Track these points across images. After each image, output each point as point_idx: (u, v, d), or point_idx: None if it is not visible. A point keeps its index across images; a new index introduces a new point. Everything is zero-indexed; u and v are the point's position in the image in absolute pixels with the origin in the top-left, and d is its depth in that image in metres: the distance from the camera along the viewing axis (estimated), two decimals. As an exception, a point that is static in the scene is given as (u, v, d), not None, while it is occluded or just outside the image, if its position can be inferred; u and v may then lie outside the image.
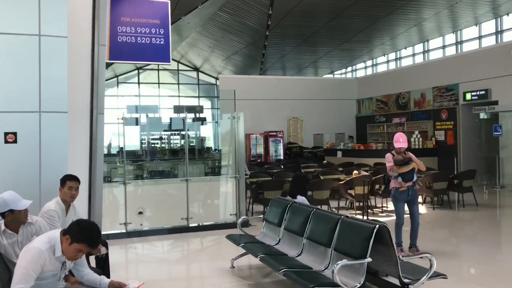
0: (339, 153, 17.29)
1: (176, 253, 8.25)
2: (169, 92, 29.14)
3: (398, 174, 7.09)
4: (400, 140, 7.16)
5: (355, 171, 10.96)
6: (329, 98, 21.07)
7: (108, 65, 24.13)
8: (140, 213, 9.02)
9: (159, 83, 28.89)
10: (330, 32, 21.02)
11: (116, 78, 28.08)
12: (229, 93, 16.33)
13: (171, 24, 19.78)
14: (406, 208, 7.28)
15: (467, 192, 11.42)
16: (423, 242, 7.51)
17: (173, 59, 29.03)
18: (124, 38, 13.57)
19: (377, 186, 10.42)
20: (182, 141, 23.05)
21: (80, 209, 7.72)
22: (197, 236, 8.91)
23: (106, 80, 27.59)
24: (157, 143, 25.03)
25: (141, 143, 23.33)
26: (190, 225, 9.08)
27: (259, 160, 18.34)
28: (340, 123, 21.20)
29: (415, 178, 7.21)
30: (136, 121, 20.72)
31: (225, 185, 9.64)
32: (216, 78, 28.43)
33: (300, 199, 6.48)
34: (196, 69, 29.65)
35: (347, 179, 10.51)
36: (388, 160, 7.24)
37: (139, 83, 28.61)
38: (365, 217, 10.06)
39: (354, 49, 23.81)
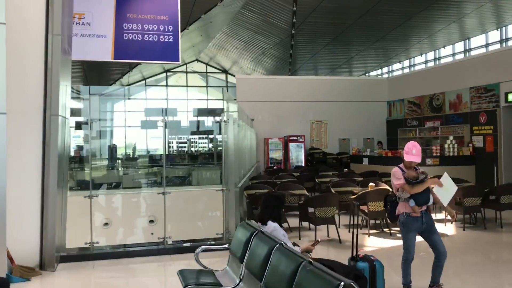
0: (365, 160, 15.43)
1: (129, 285, 6.59)
2: (198, 95, 28.01)
3: (409, 195, 5.36)
4: (412, 152, 5.39)
5: (371, 184, 9.22)
6: (356, 100, 19.11)
7: (132, 66, 23.13)
8: (151, 221, 7.70)
9: (187, 86, 27.79)
10: (361, 30, 19.23)
11: (144, 81, 27.17)
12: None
13: (191, 23, 18.53)
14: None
15: (506, 209, 9.45)
16: (447, 274, 5.75)
17: (201, 62, 27.94)
18: (130, 35, 12.35)
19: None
20: (210, 145, 21.85)
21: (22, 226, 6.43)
22: (171, 260, 7.38)
23: (134, 83, 26.71)
24: (185, 147, 23.90)
25: (169, 147, 22.21)
26: (168, 246, 7.60)
27: (275, 167, 16.67)
28: (369, 127, 19.19)
29: (431, 201, 5.46)
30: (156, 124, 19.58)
31: (213, 198, 8.06)
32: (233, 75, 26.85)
33: (271, 226, 4.88)
34: (225, 71, 28.37)
35: (360, 193, 8.80)
36: (397, 176, 5.45)
37: (167, 85, 27.60)
38: (382, 238, 8.36)
39: (389, 48, 21.89)
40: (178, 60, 12.25)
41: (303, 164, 17.28)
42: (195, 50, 25.45)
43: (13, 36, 6.43)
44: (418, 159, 5.40)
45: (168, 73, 27.60)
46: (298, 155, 17.43)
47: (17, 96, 6.58)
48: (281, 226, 5.00)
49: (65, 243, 7.27)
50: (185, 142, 22.52)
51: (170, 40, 12.06)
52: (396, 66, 24.59)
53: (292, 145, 17.37)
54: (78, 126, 20.57)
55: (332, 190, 9.61)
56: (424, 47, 21.57)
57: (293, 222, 8.85)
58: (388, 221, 9.10)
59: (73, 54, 13.29)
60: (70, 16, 7.92)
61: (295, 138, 17.50)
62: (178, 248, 7.61)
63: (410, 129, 17.78)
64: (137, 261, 7.27)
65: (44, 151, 6.78)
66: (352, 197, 8.83)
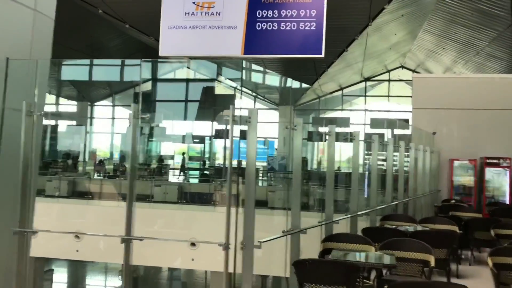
0: None
1: None
2: (402, 107, 23.46)
3: None
4: None
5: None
6: None
7: (319, 73, 20.13)
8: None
9: (388, 96, 23.49)
10: None
11: (341, 91, 23.90)
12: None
13: (373, 17, 14.86)
14: None
15: None
16: None
17: (407, 68, 23.30)
18: (264, 25, 9.96)
19: None
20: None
21: None
22: None
23: (331, 92, 23.85)
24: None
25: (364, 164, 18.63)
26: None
27: (452, 200, 11.28)
28: None
29: None
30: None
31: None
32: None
33: None
34: (435, 79, 23.09)
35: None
36: None
37: (365, 95, 23.80)
38: None
39: None
40: (320, 53, 9.23)
41: (507, 200, 11.56)
42: (397, 54, 21.08)
43: None
44: None
45: (369, 82, 23.77)
46: (500, 186, 11.75)
47: None
48: None
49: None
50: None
51: (312, 28, 9.24)
52: None
53: (490, 171, 11.78)
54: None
55: (489, 261, 4.98)
56: None
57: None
58: None
59: (201, 50, 11.32)
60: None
61: (495, 161, 11.76)
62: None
63: None
64: None
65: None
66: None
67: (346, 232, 5.77)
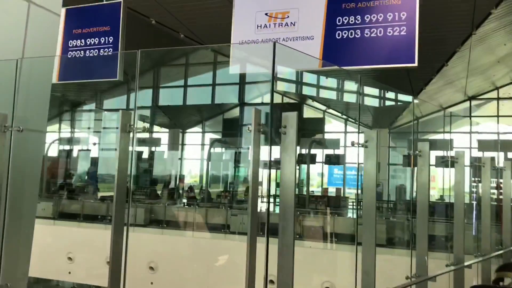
0: None
1: None
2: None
3: None
4: None
5: None
6: None
7: (417, 91, 18.12)
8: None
9: (498, 116, 20.56)
10: None
11: (442, 111, 21.47)
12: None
13: (477, 25, 13.01)
14: None
15: None
16: None
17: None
18: (345, 33, 9.02)
19: None
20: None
21: None
22: None
23: (431, 113, 21.57)
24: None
25: (471, 192, 16.34)
26: None
27: None
28: None
29: None
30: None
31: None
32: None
33: None
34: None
35: None
36: None
37: (470, 116, 21.12)
38: None
39: None
40: (413, 62, 7.96)
41: None
42: (507, 68, 18.41)
43: None
44: None
45: (474, 101, 21.08)
46: None
47: None
48: None
49: None
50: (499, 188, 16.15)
51: (403, 33, 8.02)
52: None
53: None
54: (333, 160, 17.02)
55: None
56: None
57: None
58: None
59: (280, 66, 10.40)
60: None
61: None
62: None
63: None
64: None
65: None
66: None
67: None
